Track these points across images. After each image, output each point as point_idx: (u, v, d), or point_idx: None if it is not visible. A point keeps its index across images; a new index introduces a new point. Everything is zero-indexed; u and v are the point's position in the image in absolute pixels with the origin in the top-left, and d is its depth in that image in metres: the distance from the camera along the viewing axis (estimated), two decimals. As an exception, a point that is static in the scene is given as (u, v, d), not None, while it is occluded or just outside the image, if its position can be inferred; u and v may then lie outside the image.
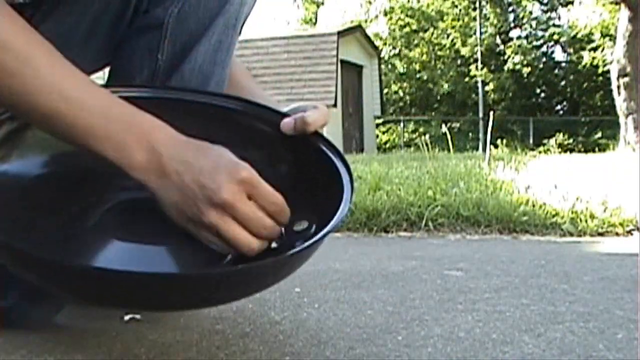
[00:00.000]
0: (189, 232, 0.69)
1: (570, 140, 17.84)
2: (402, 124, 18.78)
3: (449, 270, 1.41)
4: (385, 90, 19.33)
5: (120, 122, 0.67)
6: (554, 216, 2.21)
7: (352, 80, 14.54)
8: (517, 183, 2.88)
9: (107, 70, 0.96)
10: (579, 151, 13.09)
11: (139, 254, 0.71)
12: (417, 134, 18.15)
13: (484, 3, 21.34)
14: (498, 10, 21.59)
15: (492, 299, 1.11)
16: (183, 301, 0.67)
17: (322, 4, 24.55)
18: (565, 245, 1.90)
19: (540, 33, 21.72)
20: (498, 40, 21.54)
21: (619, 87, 9.38)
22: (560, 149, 13.87)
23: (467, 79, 20.96)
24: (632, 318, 0.98)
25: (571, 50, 20.56)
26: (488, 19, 21.53)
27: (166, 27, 0.88)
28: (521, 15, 22.14)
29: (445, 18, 21.48)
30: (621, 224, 2.12)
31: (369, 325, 0.94)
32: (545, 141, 17.15)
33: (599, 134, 18.12)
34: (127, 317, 0.96)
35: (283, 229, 0.71)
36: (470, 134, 18.59)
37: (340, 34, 13.43)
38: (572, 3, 18.63)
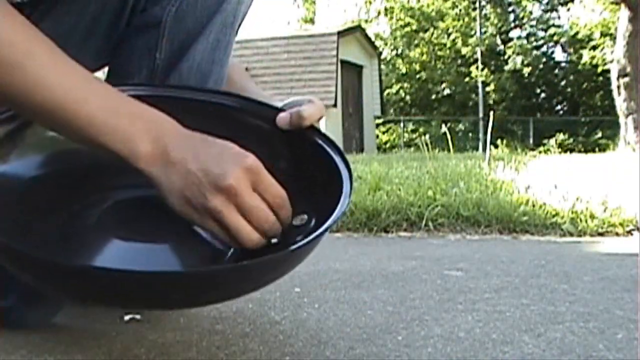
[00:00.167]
0: (193, 223, 0.68)
1: (570, 140, 17.84)
2: (402, 124, 18.78)
3: (449, 270, 1.41)
4: (386, 91, 19.33)
5: (124, 113, 0.67)
6: (554, 216, 2.21)
7: (352, 80, 14.54)
8: (517, 183, 2.88)
9: (106, 69, 0.96)
10: (579, 151, 13.09)
11: (139, 252, 0.71)
12: (417, 134, 18.14)
13: (484, 3, 21.34)
14: (498, 10, 21.59)
15: (492, 299, 1.11)
16: (184, 299, 0.66)
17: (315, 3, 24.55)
18: (565, 245, 1.90)
19: (540, 33, 21.72)
20: (498, 41, 21.54)
21: (619, 87, 9.37)
22: (560, 149, 13.87)
23: (467, 79, 20.97)
24: (632, 318, 0.98)
25: (571, 50, 20.55)
26: (488, 19, 21.53)
27: (164, 25, 0.88)
28: (521, 15, 22.14)
29: (445, 18, 21.48)
30: (621, 224, 2.12)
31: (369, 325, 0.94)
32: (545, 141, 17.14)
33: (599, 134, 18.12)
34: (127, 317, 0.96)
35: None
36: (470, 134, 18.59)
37: (340, 34, 13.43)
38: (572, 1, 18.65)
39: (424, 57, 21.50)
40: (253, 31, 13.17)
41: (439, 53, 21.54)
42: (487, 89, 20.41)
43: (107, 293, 0.63)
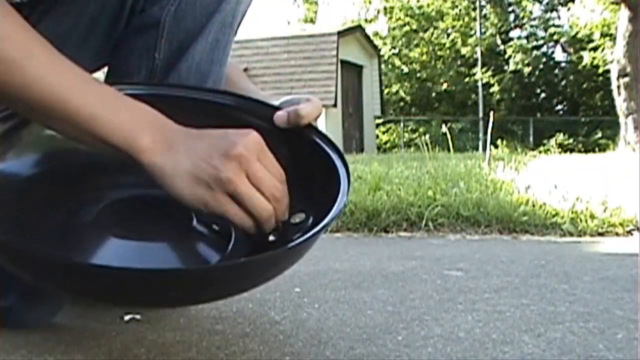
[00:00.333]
0: (202, 205, 0.66)
1: (570, 141, 17.84)
2: (402, 124, 18.78)
3: (449, 270, 1.41)
4: (386, 90, 19.34)
5: (124, 109, 0.67)
6: (554, 216, 2.21)
7: (352, 80, 14.54)
8: (517, 183, 2.88)
9: (105, 69, 0.96)
10: (579, 151, 13.09)
11: (137, 250, 0.71)
12: (417, 134, 18.15)
13: (483, 3, 21.33)
14: (499, 10, 21.59)
15: (492, 299, 1.11)
16: (183, 296, 0.66)
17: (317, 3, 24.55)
18: (565, 245, 1.90)
19: (540, 33, 21.72)
20: (498, 41, 21.54)
21: (619, 87, 9.38)
22: (560, 149, 13.87)
23: (467, 79, 20.97)
24: (632, 318, 0.98)
25: (571, 50, 20.55)
26: (488, 19, 21.53)
27: (163, 25, 0.88)
28: (521, 15, 22.14)
29: (445, 18, 21.48)
30: (621, 224, 2.12)
31: (369, 325, 0.94)
32: (545, 141, 17.16)
33: (599, 134, 18.12)
34: (127, 317, 0.96)
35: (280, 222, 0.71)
36: (470, 134, 18.59)
37: (340, 34, 13.44)
38: (572, 1, 18.64)
39: (424, 57, 21.51)
40: (253, 31, 13.17)
41: (439, 53, 21.54)
42: (491, 90, 20.41)
43: (106, 291, 0.63)
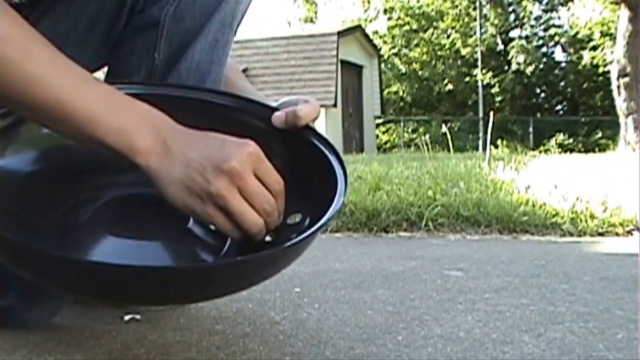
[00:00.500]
0: (193, 214, 0.67)
1: (570, 141, 17.85)
2: (402, 124, 18.78)
3: (449, 270, 1.41)
4: (386, 90, 19.33)
5: (122, 109, 0.67)
6: (554, 216, 2.21)
7: (352, 80, 14.54)
8: (517, 183, 2.88)
9: (105, 69, 0.96)
10: (579, 151, 13.09)
11: (133, 249, 0.71)
12: (417, 134, 18.15)
13: (484, 3, 21.33)
14: (499, 10, 21.58)
15: (492, 299, 1.11)
16: (181, 295, 0.66)
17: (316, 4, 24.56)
18: (565, 245, 1.90)
19: (540, 33, 21.72)
20: (498, 40, 21.54)
21: (619, 87, 9.38)
22: (560, 149, 13.87)
23: (467, 79, 20.97)
24: (632, 318, 0.98)
25: (571, 50, 20.55)
26: (488, 19, 21.52)
27: (162, 25, 0.88)
28: (521, 15, 22.14)
29: (445, 18, 21.47)
30: (621, 224, 2.12)
31: (369, 325, 0.94)
32: (545, 141, 17.16)
33: (599, 134, 18.13)
34: (127, 317, 0.96)
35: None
36: (470, 134, 18.59)
37: (340, 34, 13.44)
38: (572, 1, 18.64)
39: (424, 56, 21.51)
40: (253, 31, 13.18)
41: (439, 53, 21.54)
42: (491, 90, 20.40)
43: (104, 288, 0.63)
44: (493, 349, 0.82)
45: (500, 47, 21.57)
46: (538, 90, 22.34)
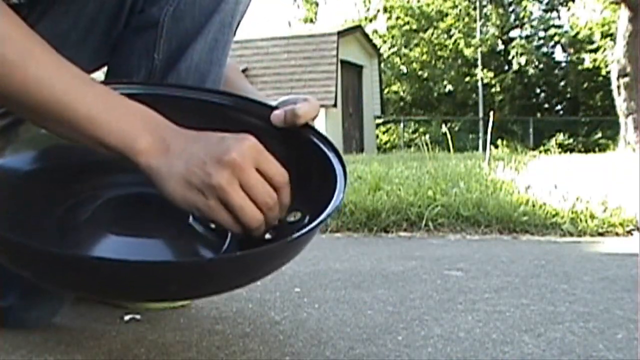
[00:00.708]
0: (194, 209, 0.67)
1: (570, 141, 17.85)
2: (402, 124, 18.78)
3: (449, 270, 1.41)
4: (386, 90, 19.33)
5: (121, 110, 0.67)
6: (554, 216, 2.21)
7: (352, 80, 14.54)
8: (517, 183, 2.88)
9: (105, 70, 0.96)
10: (579, 151, 13.09)
11: (134, 247, 0.71)
12: (417, 134, 18.16)
13: (484, 3, 21.33)
14: (500, 10, 21.58)
15: (492, 299, 1.11)
16: (181, 290, 0.67)
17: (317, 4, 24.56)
18: (565, 245, 1.90)
19: (540, 33, 21.72)
20: (499, 40, 21.54)
21: (619, 87, 9.37)
22: (560, 149, 13.87)
23: (467, 79, 20.96)
24: (632, 318, 0.98)
25: (571, 51, 20.56)
26: (489, 19, 21.52)
27: (162, 26, 0.88)
28: (522, 15, 22.14)
29: (445, 18, 21.47)
30: (621, 224, 2.12)
31: (369, 325, 0.94)
32: (545, 141, 17.16)
33: (599, 134, 18.13)
34: (127, 317, 0.96)
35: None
36: (470, 134, 18.59)
37: (340, 34, 13.44)
38: (572, 1, 18.63)
39: (424, 56, 21.50)
40: (253, 31, 13.17)
41: (439, 53, 21.54)
42: (492, 90, 20.40)
43: (105, 284, 0.63)
44: (493, 349, 0.82)
45: (501, 47, 21.57)
46: (538, 90, 22.34)
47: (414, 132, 19.48)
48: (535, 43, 21.50)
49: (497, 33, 21.32)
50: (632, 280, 1.28)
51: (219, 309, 1.03)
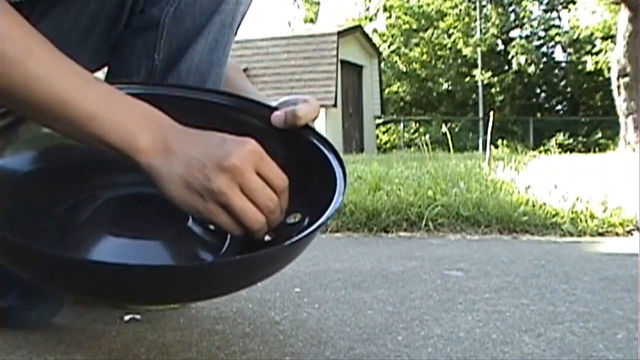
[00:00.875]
0: (194, 212, 0.67)
1: (571, 140, 17.85)
2: (402, 124, 18.78)
3: (449, 270, 1.41)
4: (386, 90, 19.32)
5: (123, 108, 0.67)
6: (554, 216, 2.21)
7: (352, 80, 14.54)
8: (517, 183, 2.88)
9: (105, 70, 0.96)
10: (579, 151, 13.09)
11: (133, 248, 0.71)
12: (417, 134, 18.15)
13: (484, 3, 21.32)
14: (500, 10, 21.58)
15: (492, 299, 1.11)
16: (180, 294, 0.67)
17: (319, 3, 24.57)
18: (565, 245, 1.90)
19: (540, 33, 21.72)
20: (499, 40, 21.53)
21: (619, 87, 9.37)
22: (560, 149, 13.86)
23: (467, 79, 20.96)
24: (632, 318, 0.98)
25: (571, 51, 20.56)
26: (489, 19, 21.52)
27: (162, 26, 0.88)
28: (522, 15, 22.14)
29: (445, 18, 21.47)
30: (621, 224, 2.12)
31: (369, 325, 0.94)
32: (545, 141, 17.15)
33: (599, 134, 18.13)
34: (127, 317, 0.96)
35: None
36: (470, 134, 18.59)
37: (340, 34, 13.44)
38: (573, 2, 18.62)
39: (424, 56, 21.50)
40: (253, 31, 13.18)
41: (439, 53, 21.53)
42: (492, 90, 20.39)
43: (104, 287, 0.63)
44: (493, 349, 0.82)
45: (501, 47, 21.56)
46: (538, 90, 22.33)
47: (414, 132, 19.47)
48: (535, 43, 21.50)
49: (496, 33, 21.30)
50: (632, 280, 1.28)
51: (219, 309, 1.03)
